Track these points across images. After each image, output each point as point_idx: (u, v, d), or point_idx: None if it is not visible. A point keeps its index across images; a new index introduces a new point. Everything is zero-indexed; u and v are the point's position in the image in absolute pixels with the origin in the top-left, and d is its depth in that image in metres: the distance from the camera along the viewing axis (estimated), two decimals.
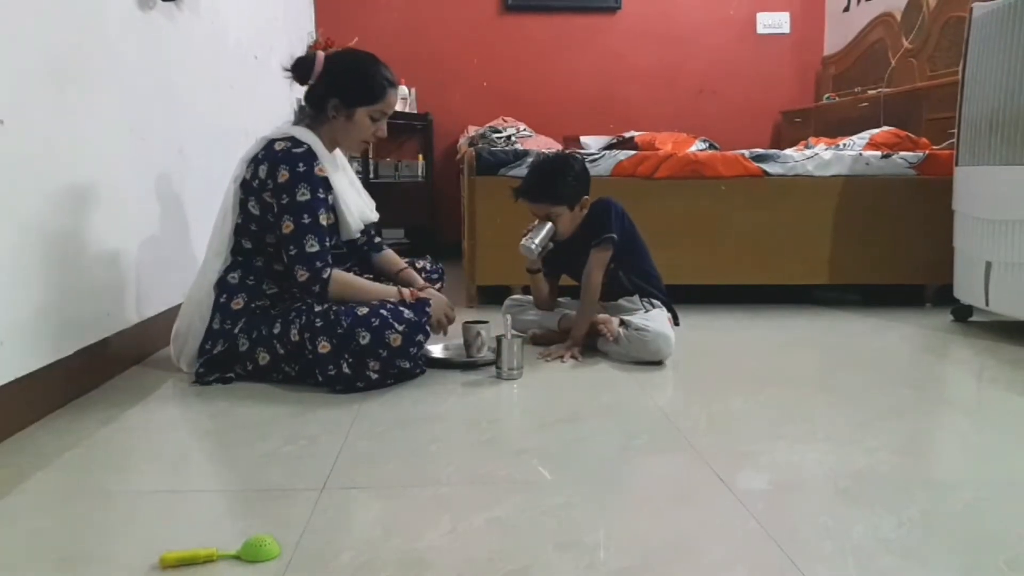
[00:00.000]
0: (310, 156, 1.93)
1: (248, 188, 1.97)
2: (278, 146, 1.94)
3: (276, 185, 1.91)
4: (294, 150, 1.93)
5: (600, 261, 2.25)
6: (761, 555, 1.09)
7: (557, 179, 2.22)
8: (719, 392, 1.96)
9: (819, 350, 2.56)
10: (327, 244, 1.95)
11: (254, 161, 1.97)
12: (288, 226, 1.91)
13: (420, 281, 2.20)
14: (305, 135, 1.97)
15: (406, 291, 2.03)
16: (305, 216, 1.91)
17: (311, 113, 2.05)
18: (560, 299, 2.47)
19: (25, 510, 1.25)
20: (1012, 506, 1.28)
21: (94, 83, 1.94)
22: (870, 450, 1.51)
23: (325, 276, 1.93)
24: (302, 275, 1.92)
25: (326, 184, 1.96)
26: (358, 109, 2.01)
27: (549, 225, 2.24)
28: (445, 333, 2.16)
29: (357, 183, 2.20)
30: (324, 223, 1.94)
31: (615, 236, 2.23)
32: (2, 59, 1.56)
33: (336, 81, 2.00)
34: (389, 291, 2.02)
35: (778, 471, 1.42)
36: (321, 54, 2.02)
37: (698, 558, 1.09)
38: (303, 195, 1.91)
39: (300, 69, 2.03)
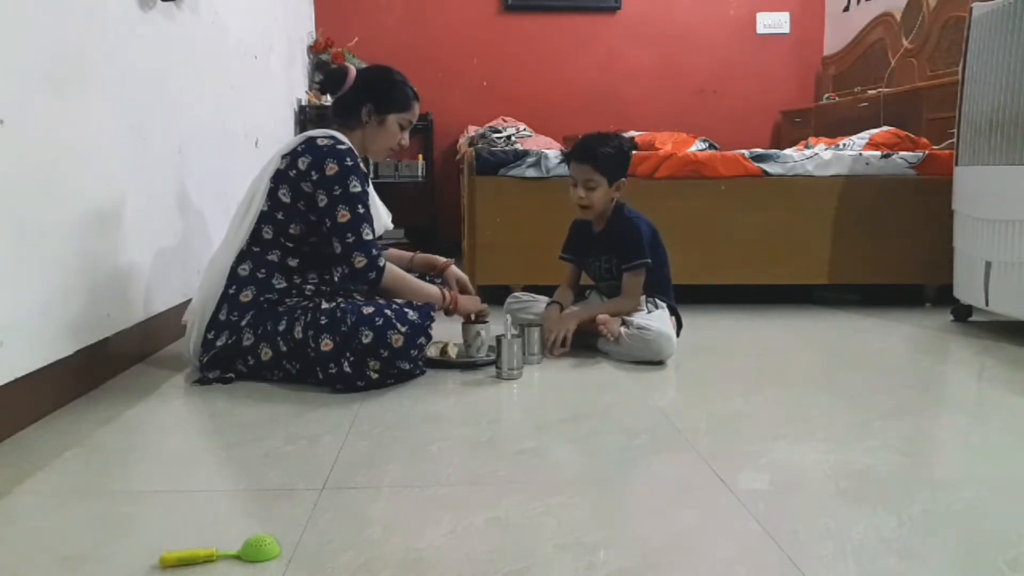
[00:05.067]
0: (354, 153, 2.04)
1: (282, 177, 2.01)
2: (321, 141, 2.02)
3: (323, 177, 1.97)
4: (339, 146, 2.02)
5: (636, 286, 2.31)
6: (761, 555, 1.09)
7: (602, 144, 2.33)
8: (719, 392, 1.96)
9: (819, 350, 2.56)
10: (375, 235, 2.04)
11: (292, 154, 2.02)
12: (344, 215, 1.97)
13: (440, 260, 2.35)
14: (343, 137, 2.07)
15: (448, 293, 2.13)
16: (360, 206, 1.99)
17: (339, 121, 2.14)
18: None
19: (25, 510, 1.25)
20: (1012, 506, 1.28)
21: (94, 83, 1.94)
22: (870, 450, 1.51)
23: (382, 264, 2.01)
24: (360, 261, 1.97)
25: (367, 181, 2.06)
26: (390, 116, 2.13)
27: (526, 337, 2.18)
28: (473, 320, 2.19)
29: (374, 192, 2.24)
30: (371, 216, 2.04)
31: (649, 261, 2.31)
32: (2, 59, 1.56)
33: (371, 89, 2.12)
34: (433, 291, 2.11)
35: (778, 471, 1.42)
36: (353, 68, 2.16)
37: (698, 558, 1.09)
38: (355, 187, 1.98)
39: (331, 81, 2.17)
